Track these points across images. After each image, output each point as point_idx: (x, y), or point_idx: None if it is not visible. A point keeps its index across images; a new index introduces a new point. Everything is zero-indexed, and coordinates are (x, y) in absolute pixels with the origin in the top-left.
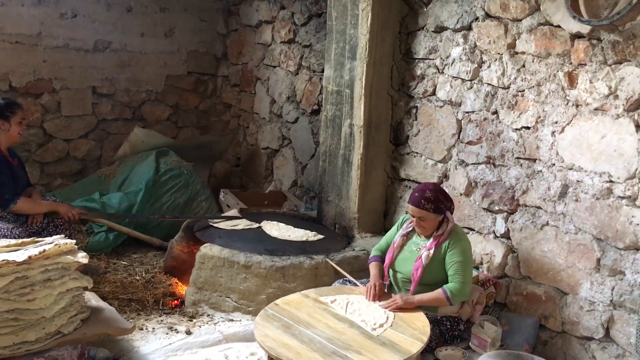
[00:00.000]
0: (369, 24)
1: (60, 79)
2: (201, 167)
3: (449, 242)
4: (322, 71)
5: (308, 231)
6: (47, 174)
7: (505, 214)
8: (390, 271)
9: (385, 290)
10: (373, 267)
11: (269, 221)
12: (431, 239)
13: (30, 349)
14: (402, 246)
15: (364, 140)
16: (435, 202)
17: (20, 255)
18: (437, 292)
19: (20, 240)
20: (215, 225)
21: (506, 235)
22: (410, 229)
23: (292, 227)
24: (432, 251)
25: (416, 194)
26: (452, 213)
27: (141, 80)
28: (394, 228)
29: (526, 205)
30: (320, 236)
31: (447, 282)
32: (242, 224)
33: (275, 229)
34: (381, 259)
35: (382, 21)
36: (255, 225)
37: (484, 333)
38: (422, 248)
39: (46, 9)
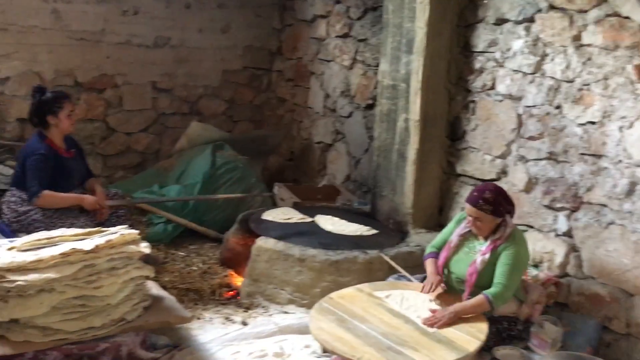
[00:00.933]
0: (426, 17)
1: (122, 74)
2: (255, 161)
3: (505, 245)
4: (377, 65)
5: (362, 226)
6: (109, 166)
7: (567, 211)
8: (445, 271)
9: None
10: (429, 264)
11: (323, 215)
12: (488, 243)
13: (96, 334)
14: (458, 246)
15: (419, 135)
16: (494, 203)
17: (87, 244)
18: (479, 300)
19: (87, 230)
20: (269, 218)
21: (568, 234)
22: (468, 229)
23: (345, 221)
24: (487, 256)
25: (475, 193)
26: (512, 217)
27: (198, 75)
28: (451, 225)
29: (590, 203)
30: (374, 231)
31: None
32: (296, 217)
33: (330, 223)
34: (437, 255)
35: (440, 14)
36: (309, 219)
37: (544, 333)
38: (478, 252)
39: (109, 6)
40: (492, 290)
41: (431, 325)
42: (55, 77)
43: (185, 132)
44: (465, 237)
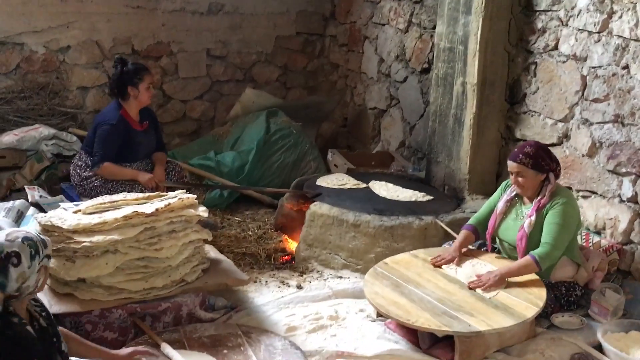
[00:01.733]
0: None
1: (178, 42)
2: (309, 127)
3: (550, 205)
4: (434, 28)
5: (417, 192)
6: (167, 133)
7: (633, 176)
8: (497, 240)
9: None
10: (460, 236)
11: (377, 181)
12: (533, 205)
13: (158, 294)
14: (505, 213)
15: (477, 99)
16: (535, 157)
17: (148, 208)
18: (525, 260)
19: (147, 194)
20: (323, 184)
21: (633, 200)
22: (514, 194)
23: (400, 187)
24: (533, 217)
25: (516, 150)
26: (557, 177)
27: (252, 42)
28: (496, 194)
29: None
30: (429, 197)
31: None
32: (350, 183)
33: (384, 189)
34: (474, 229)
35: None
36: (363, 185)
37: (605, 301)
38: (525, 216)
39: None
40: (538, 250)
41: (476, 288)
42: (113, 45)
43: (240, 99)
44: (512, 204)
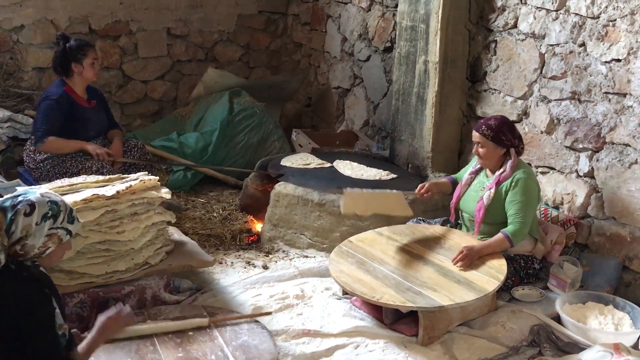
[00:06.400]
0: None
1: (137, 20)
2: (273, 107)
3: (510, 180)
4: (396, 6)
5: (381, 170)
6: (127, 114)
7: (589, 152)
8: (459, 213)
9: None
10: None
11: (342, 160)
12: (494, 178)
13: (121, 277)
14: (469, 184)
15: (439, 77)
16: (496, 131)
17: (109, 190)
18: (499, 238)
19: (107, 177)
20: (288, 164)
21: (590, 175)
22: (478, 166)
23: (364, 166)
24: (492, 190)
25: (481, 120)
26: (519, 153)
27: (213, 21)
28: (467, 166)
29: (613, 143)
30: (393, 175)
31: None
32: (314, 162)
33: (348, 168)
34: (454, 181)
35: None
36: (328, 164)
37: (564, 273)
38: (485, 188)
39: None
40: (510, 227)
41: (457, 263)
42: (69, 24)
43: (202, 79)
44: (476, 174)
